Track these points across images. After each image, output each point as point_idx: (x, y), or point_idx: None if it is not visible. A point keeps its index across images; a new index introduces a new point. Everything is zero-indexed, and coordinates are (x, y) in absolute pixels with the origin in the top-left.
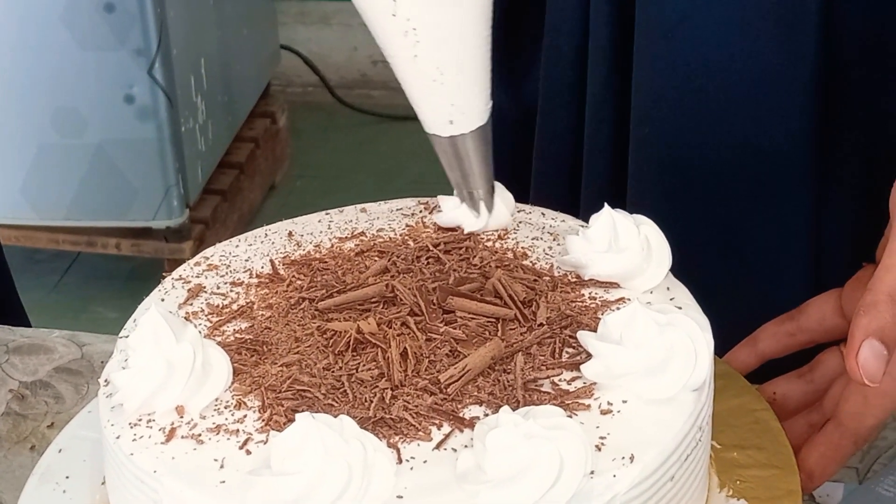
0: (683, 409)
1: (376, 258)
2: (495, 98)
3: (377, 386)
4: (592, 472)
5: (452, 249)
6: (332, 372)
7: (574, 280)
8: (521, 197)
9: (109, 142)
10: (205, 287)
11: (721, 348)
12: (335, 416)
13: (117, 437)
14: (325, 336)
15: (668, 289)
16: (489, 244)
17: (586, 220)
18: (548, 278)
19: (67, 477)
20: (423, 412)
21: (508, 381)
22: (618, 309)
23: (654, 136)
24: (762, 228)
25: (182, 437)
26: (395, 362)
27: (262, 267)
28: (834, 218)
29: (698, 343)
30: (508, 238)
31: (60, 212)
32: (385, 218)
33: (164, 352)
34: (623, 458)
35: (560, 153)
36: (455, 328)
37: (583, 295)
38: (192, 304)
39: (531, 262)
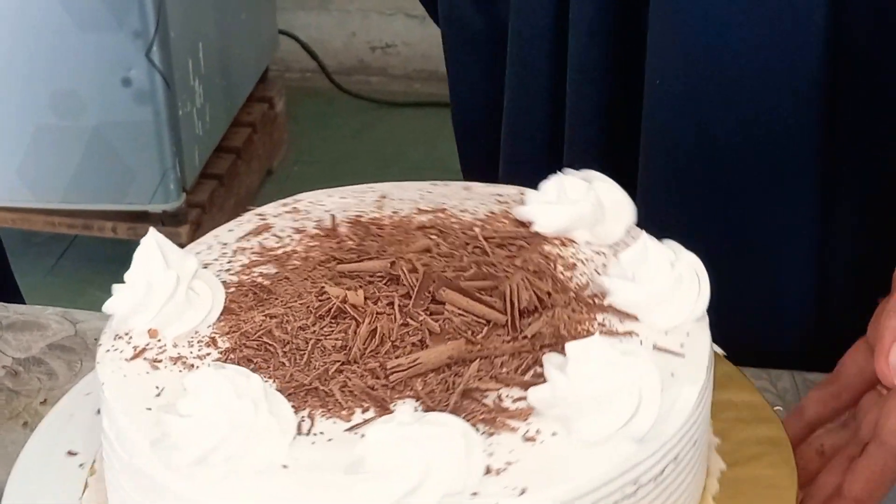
0: (612, 457)
1: (432, 236)
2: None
3: (331, 357)
4: (475, 494)
5: (507, 244)
6: (305, 333)
7: (595, 304)
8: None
9: (106, 124)
10: (271, 227)
11: (725, 337)
12: (281, 375)
13: (100, 345)
14: (319, 298)
15: (687, 334)
16: (547, 248)
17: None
18: (573, 295)
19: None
20: (357, 392)
21: (455, 384)
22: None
23: (669, 122)
24: (770, 214)
25: (144, 359)
26: (360, 338)
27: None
28: (841, 202)
29: (647, 388)
30: (572, 245)
31: (57, 194)
32: (478, 200)
33: (147, 274)
34: (515, 488)
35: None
36: (436, 320)
37: (594, 319)
38: (249, 240)
39: (572, 275)
